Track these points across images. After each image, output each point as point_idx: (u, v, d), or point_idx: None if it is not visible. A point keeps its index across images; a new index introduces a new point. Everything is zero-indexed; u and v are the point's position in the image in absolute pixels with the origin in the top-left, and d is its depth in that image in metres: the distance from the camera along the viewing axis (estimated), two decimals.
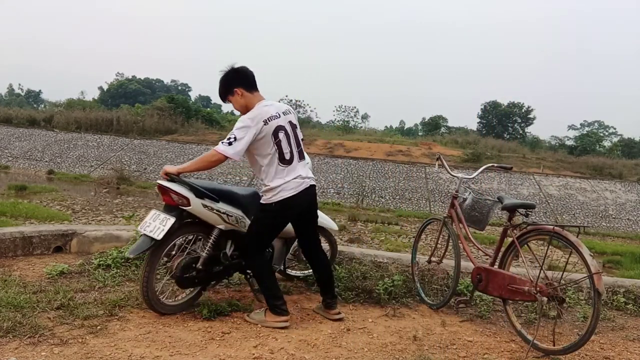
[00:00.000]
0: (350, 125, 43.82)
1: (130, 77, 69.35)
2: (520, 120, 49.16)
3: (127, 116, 27.66)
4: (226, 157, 3.06)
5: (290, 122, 3.31)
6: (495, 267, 3.38)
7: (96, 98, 56.09)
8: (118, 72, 77.01)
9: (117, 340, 2.75)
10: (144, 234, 3.03)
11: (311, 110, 46.50)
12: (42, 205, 9.46)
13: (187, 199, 3.07)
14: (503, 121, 48.57)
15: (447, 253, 4.04)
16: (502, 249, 3.38)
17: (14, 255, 4.16)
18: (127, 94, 60.09)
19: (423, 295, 3.88)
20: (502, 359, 2.93)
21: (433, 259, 4.03)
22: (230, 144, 3.06)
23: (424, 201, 17.64)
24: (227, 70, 3.26)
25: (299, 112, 43.98)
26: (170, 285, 3.33)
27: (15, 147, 21.24)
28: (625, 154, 36.89)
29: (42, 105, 59.20)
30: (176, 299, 3.33)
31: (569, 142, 42.57)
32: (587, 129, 49.96)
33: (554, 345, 2.96)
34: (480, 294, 3.67)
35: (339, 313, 3.39)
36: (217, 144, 3.11)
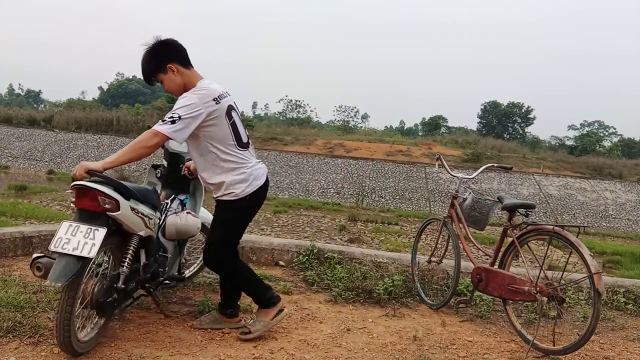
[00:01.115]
0: (350, 125, 43.90)
1: (130, 77, 69.34)
2: (520, 120, 49.22)
3: (127, 116, 27.67)
4: (166, 139, 2.55)
5: (234, 101, 2.87)
6: (495, 267, 3.38)
7: (96, 98, 56.13)
8: (118, 72, 77.07)
9: (117, 340, 2.75)
10: (65, 254, 2.31)
11: (311, 110, 46.66)
12: (42, 205, 9.47)
13: (117, 202, 2.47)
14: (503, 121, 48.63)
15: (447, 253, 4.04)
16: (502, 249, 3.38)
17: (14, 255, 4.15)
18: (127, 94, 60.10)
19: (423, 295, 3.88)
20: (502, 359, 2.93)
21: (433, 259, 4.03)
22: (173, 122, 2.51)
23: (424, 201, 17.64)
24: (154, 44, 2.72)
25: (298, 112, 44.07)
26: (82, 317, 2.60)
27: (15, 147, 21.24)
28: (625, 154, 36.92)
29: (42, 105, 59.28)
30: (86, 331, 2.60)
31: (569, 142, 42.64)
32: (587, 129, 49.99)
33: (554, 345, 2.96)
34: (480, 294, 3.67)
35: (240, 320, 3.06)
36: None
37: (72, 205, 2.50)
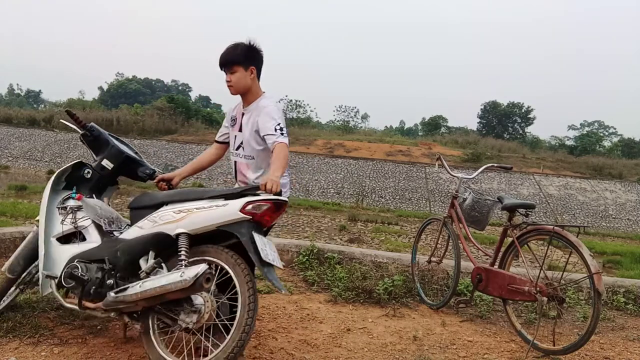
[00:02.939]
0: (350, 125, 43.90)
1: (130, 77, 69.40)
2: (520, 120, 49.18)
3: (127, 116, 27.69)
4: None
5: None
6: (495, 267, 3.38)
7: (96, 98, 56.11)
8: (118, 72, 77.01)
9: (117, 340, 2.74)
10: (272, 265, 2.36)
11: (311, 110, 46.56)
12: None
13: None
14: (503, 121, 48.60)
15: (447, 253, 4.04)
16: (502, 249, 3.39)
17: None
18: (127, 94, 60.08)
19: (423, 295, 3.88)
20: (502, 359, 2.93)
21: (433, 259, 4.04)
22: (284, 133, 2.71)
23: (424, 201, 17.64)
24: (253, 44, 2.85)
25: (298, 112, 44.05)
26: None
27: (15, 147, 21.25)
28: (625, 154, 36.90)
29: (42, 105, 59.23)
30: None
31: (569, 142, 42.61)
32: (587, 129, 49.99)
33: (554, 345, 2.96)
34: (480, 294, 3.67)
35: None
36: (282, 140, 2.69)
37: (252, 215, 2.37)
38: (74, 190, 2.81)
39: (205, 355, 2.33)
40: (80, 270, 2.45)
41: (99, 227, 2.69)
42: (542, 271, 3.00)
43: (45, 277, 2.60)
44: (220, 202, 2.44)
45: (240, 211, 2.36)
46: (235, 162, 2.93)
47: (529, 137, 46.88)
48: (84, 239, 2.67)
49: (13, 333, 2.67)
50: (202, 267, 2.24)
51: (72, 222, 2.68)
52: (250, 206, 2.35)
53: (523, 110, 49.00)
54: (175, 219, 2.44)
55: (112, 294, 2.36)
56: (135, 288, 2.31)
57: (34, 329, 2.73)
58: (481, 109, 49.90)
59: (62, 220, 2.70)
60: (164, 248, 2.47)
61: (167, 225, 2.45)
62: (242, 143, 2.89)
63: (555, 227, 2.98)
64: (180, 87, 76.45)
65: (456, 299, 3.69)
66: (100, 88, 66.33)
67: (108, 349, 2.62)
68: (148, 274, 2.37)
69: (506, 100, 50.21)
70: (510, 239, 3.31)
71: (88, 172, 2.84)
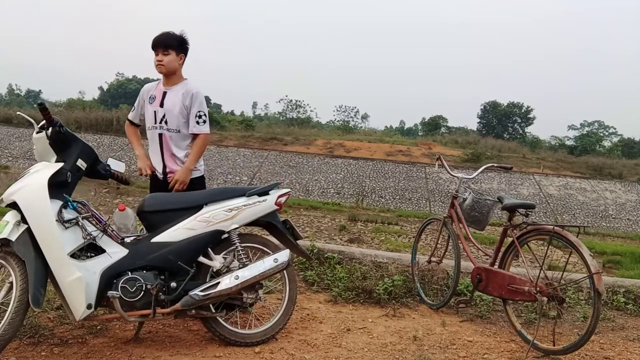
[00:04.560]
0: (350, 125, 43.84)
1: (130, 77, 69.32)
2: (520, 120, 49.16)
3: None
4: None
5: None
6: (495, 267, 3.38)
7: (96, 98, 56.10)
8: (118, 72, 76.90)
9: (117, 340, 2.75)
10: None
11: (311, 110, 46.50)
12: None
13: None
14: (503, 121, 48.57)
15: (447, 253, 4.04)
16: (502, 249, 3.39)
17: None
18: (127, 94, 59.97)
19: (423, 295, 3.88)
20: (502, 359, 2.93)
21: (433, 259, 4.03)
22: (206, 122, 3.33)
23: (424, 201, 17.64)
24: (185, 36, 3.33)
25: (298, 112, 44.06)
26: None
27: (15, 147, 21.24)
28: (625, 154, 36.86)
29: None
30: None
31: (569, 142, 42.55)
32: (587, 129, 49.92)
33: (554, 345, 2.96)
34: (480, 294, 3.67)
35: None
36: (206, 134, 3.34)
37: (279, 206, 3.00)
38: (69, 199, 2.60)
39: (250, 327, 2.90)
40: (143, 281, 2.54)
41: (110, 236, 2.64)
42: (542, 271, 3.00)
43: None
44: (257, 198, 2.91)
45: (275, 204, 2.94)
46: (160, 134, 3.31)
47: (529, 137, 46.85)
48: (95, 251, 2.57)
49: None
50: (287, 252, 2.87)
51: (87, 235, 2.52)
52: (281, 199, 2.97)
53: (523, 110, 48.97)
54: (229, 216, 2.80)
55: (198, 292, 2.60)
56: (231, 280, 2.67)
57: (34, 329, 2.73)
58: (481, 109, 49.90)
59: (72, 235, 2.49)
60: (217, 243, 2.82)
61: (222, 223, 2.78)
62: (164, 116, 3.28)
63: (555, 227, 2.98)
64: None
65: (456, 299, 3.69)
66: (100, 88, 66.27)
67: (108, 349, 2.63)
68: (228, 268, 2.74)
69: (506, 100, 50.22)
70: (510, 239, 3.31)
71: (69, 176, 2.63)
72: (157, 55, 3.24)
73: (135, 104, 3.48)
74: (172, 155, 3.31)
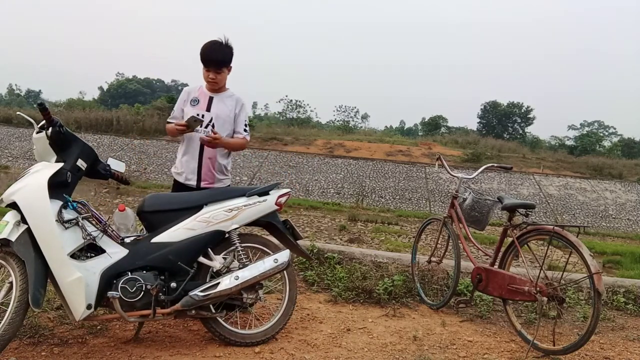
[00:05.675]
0: (350, 125, 43.87)
1: (130, 77, 69.38)
2: (520, 120, 49.15)
3: (127, 116, 27.60)
4: None
5: None
6: (495, 267, 3.38)
7: (96, 98, 56.11)
8: (118, 72, 76.92)
9: (117, 340, 2.75)
10: None
11: (311, 110, 46.46)
12: None
13: None
14: (503, 121, 48.57)
15: (447, 253, 4.04)
16: (502, 249, 3.39)
17: None
18: (127, 94, 60.08)
19: (423, 295, 3.88)
20: (502, 359, 2.93)
21: (433, 259, 4.03)
22: (249, 131, 3.38)
23: (424, 201, 17.63)
24: (231, 44, 3.20)
25: (298, 112, 44.05)
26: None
27: (15, 147, 21.24)
28: (625, 154, 36.85)
29: None
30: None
31: (569, 142, 42.53)
32: (587, 129, 49.91)
33: (554, 345, 2.96)
34: (480, 294, 3.67)
35: None
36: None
37: (280, 206, 3.01)
38: (69, 199, 2.59)
39: (250, 327, 2.90)
40: (143, 282, 2.53)
41: (110, 236, 2.64)
42: (542, 271, 3.00)
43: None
44: (258, 198, 2.90)
45: (275, 204, 2.93)
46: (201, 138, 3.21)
47: (529, 137, 46.84)
48: (95, 251, 2.56)
49: None
50: (287, 252, 2.86)
51: (87, 235, 2.52)
52: (281, 199, 2.96)
53: (523, 110, 48.97)
54: (229, 217, 2.79)
55: (198, 292, 2.60)
56: (231, 281, 2.66)
57: (34, 329, 2.73)
58: (481, 109, 49.89)
59: (72, 235, 2.48)
60: (217, 244, 2.81)
61: (222, 223, 2.77)
62: (211, 120, 3.22)
63: (555, 227, 2.98)
64: (180, 87, 76.09)
65: (456, 299, 3.69)
66: (101, 88, 66.34)
67: (108, 349, 2.63)
68: (228, 268, 2.74)
69: (506, 100, 50.20)
70: (510, 239, 3.31)
71: (69, 176, 2.61)
72: (209, 71, 3.16)
73: (176, 108, 3.36)
74: (210, 160, 3.24)
